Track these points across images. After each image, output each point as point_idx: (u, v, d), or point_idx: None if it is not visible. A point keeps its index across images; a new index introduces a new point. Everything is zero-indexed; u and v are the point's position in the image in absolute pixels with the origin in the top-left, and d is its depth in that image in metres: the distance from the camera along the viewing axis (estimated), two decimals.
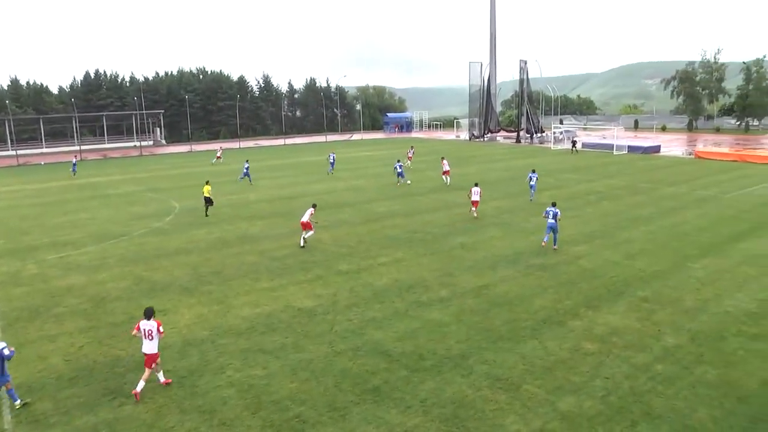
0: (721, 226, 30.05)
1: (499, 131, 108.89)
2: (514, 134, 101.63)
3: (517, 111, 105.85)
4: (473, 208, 33.06)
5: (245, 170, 48.89)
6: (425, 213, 34.45)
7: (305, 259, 24.85)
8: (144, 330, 14.50)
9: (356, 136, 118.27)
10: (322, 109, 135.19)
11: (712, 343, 16.55)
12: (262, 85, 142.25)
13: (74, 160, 62.26)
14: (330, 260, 24.60)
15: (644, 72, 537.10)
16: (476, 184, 34.21)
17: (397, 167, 46.89)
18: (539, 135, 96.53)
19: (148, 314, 14.62)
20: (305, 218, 27.09)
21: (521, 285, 21.11)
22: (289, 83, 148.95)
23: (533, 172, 39.86)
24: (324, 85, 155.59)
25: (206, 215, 34.40)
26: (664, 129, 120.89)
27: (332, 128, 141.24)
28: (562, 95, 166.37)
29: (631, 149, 72.44)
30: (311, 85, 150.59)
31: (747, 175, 48.76)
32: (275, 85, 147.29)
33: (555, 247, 25.83)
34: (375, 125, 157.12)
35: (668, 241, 26.93)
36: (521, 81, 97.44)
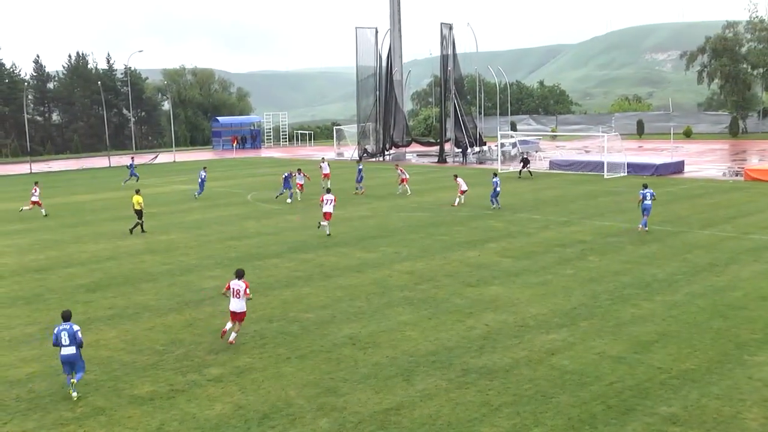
0: None
1: (409, 144, 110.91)
2: (436, 148, 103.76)
3: (439, 110, 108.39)
4: (459, 197, 56.80)
5: (201, 180, 67.59)
6: (287, 287, 34.26)
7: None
8: (233, 289, 26.01)
9: (164, 157, 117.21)
10: (100, 110, 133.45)
11: None
12: None
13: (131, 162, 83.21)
14: (119, 379, 23.81)
15: (650, 41, 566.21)
16: (456, 176, 58.64)
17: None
18: (477, 150, 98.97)
19: (239, 274, 26.33)
20: (329, 208, 45.89)
21: (456, 404, 21.10)
22: (37, 62, 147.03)
23: (495, 176, 55.65)
24: (102, 66, 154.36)
25: (143, 230, 48.81)
26: (688, 135, 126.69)
27: (120, 143, 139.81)
28: (513, 82, 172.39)
29: (634, 169, 75.71)
30: (79, 67, 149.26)
31: None
32: (8, 66, 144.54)
33: (646, 228, 44.61)
34: (197, 137, 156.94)
35: (707, 320, 27.86)
36: (443, 59, 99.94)
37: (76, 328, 22.56)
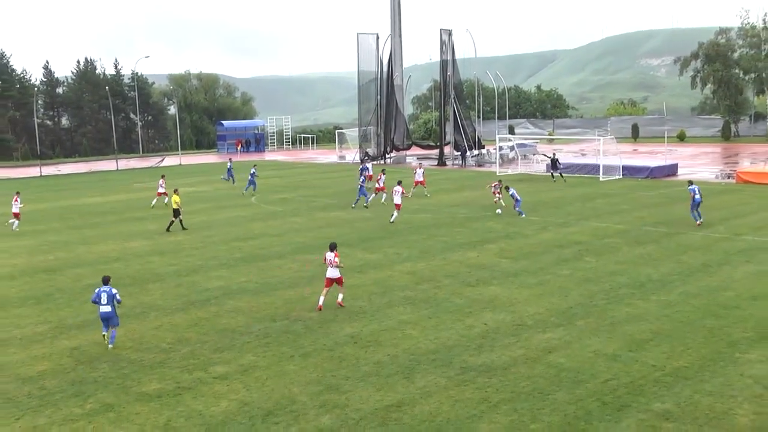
0: None
1: (409, 147, 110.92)
2: (435, 152, 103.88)
3: (439, 114, 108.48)
4: (497, 199, 54.33)
5: (251, 176, 69.69)
6: (290, 287, 34.26)
7: (81, 376, 23.94)
8: (327, 259, 30.05)
9: (170, 161, 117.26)
10: (107, 114, 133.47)
11: None
12: None
13: (229, 163, 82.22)
14: (127, 376, 23.82)
15: (645, 47, 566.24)
16: (500, 180, 56.92)
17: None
18: (476, 153, 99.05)
19: (332, 247, 30.21)
20: (398, 199, 51.22)
21: (455, 401, 21.15)
22: (47, 68, 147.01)
23: (508, 188, 52.57)
24: (110, 71, 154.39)
25: (168, 230, 49.67)
26: (682, 138, 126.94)
27: (127, 146, 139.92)
28: (511, 86, 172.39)
29: (629, 172, 75.68)
30: (87, 72, 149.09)
31: None
32: (19, 72, 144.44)
33: (702, 220, 46.27)
34: (203, 141, 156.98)
35: (700, 319, 27.90)
36: (443, 64, 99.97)
37: (114, 290, 26.39)
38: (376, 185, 61.72)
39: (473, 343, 25.85)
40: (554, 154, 77.60)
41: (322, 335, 27.22)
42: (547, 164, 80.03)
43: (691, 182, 47.96)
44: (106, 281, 26.93)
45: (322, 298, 30.32)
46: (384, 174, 62.30)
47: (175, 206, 49.96)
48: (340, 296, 30.73)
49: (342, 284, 30.62)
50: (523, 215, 51.62)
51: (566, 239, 43.37)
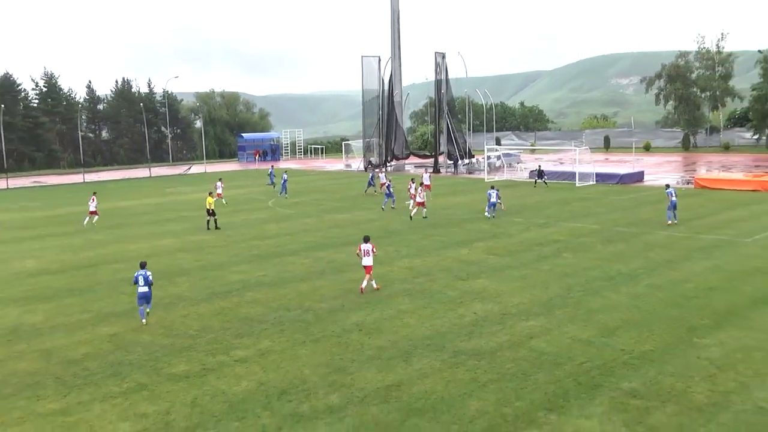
0: (741, 283, 31.49)
1: (408, 157, 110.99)
2: (431, 160, 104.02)
3: (434, 127, 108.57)
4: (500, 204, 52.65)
5: (283, 182, 70.59)
6: (302, 280, 34.26)
7: (119, 359, 23.97)
8: (363, 250, 31.07)
9: (196, 169, 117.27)
10: (142, 128, 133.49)
11: None
12: (44, 88, 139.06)
13: (271, 169, 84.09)
14: (158, 359, 23.84)
15: (615, 68, 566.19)
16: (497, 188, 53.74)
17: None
18: (466, 161, 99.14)
19: (366, 239, 31.45)
20: (420, 198, 52.88)
21: (448, 381, 21.14)
22: (89, 87, 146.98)
23: (492, 188, 52.77)
24: (144, 90, 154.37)
25: (216, 227, 50.36)
26: (648, 148, 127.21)
27: (159, 156, 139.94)
28: (498, 103, 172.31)
29: (602, 178, 75.67)
30: (124, 91, 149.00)
31: None
32: (66, 90, 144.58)
33: (676, 221, 46.10)
34: (225, 151, 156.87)
35: (664, 308, 27.87)
36: (437, 83, 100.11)
37: (149, 273, 27.84)
38: (408, 191, 60.08)
39: (464, 330, 25.84)
40: (539, 166, 77.64)
41: (331, 323, 27.22)
42: (531, 172, 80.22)
43: (668, 185, 49.24)
44: (143, 265, 28.17)
45: (365, 283, 31.38)
46: (413, 182, 60.75)
47: (207, 207, 50.77)
48: (365, 283, 31.42)
49: (371, 272, 31.59)
50: (489, 216, 51.65)
51: (546, 238, 43.32)
